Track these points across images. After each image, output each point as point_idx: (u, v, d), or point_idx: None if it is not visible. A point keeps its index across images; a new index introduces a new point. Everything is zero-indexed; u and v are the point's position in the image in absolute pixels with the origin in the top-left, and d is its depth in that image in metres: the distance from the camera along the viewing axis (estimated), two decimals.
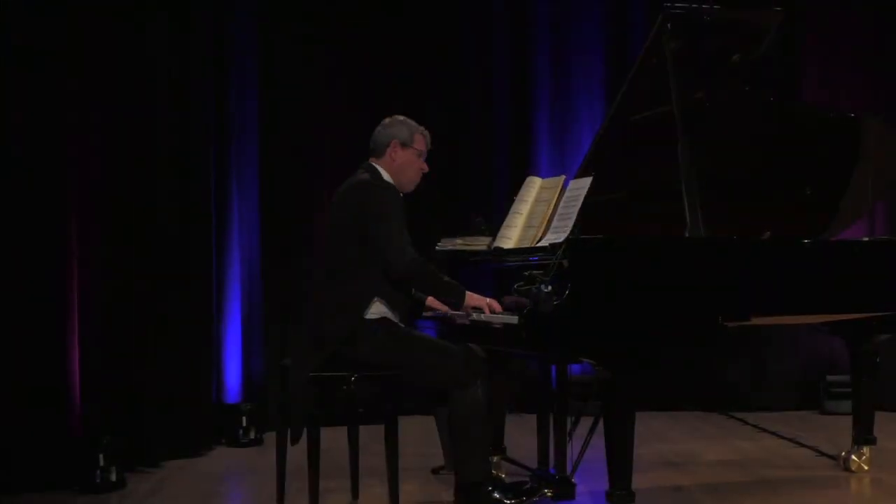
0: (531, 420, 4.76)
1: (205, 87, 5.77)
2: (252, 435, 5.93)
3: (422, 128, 4.20)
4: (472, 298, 3.99)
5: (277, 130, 6.40)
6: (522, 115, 7.09)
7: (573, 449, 4.34)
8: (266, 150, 6.35)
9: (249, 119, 6.28)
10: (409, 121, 4.19)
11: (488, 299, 4.00)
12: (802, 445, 5.68)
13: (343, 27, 6.75)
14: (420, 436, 5.87)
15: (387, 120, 4.20)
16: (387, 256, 3.92)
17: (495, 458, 4.68)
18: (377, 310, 3.99)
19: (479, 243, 4.61)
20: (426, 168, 4.21)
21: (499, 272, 4.40)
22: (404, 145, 4.12)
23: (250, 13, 6.26)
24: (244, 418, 5.90)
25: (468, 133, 7.04)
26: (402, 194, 4.13)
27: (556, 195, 4.27)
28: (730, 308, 3.87)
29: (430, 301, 4.32)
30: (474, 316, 4.01)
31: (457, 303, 4.00)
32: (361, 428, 4.31)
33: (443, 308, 4.23)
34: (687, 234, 3.95)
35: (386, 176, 4.10)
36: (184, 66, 5.58)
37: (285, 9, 6.46)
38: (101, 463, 4.71)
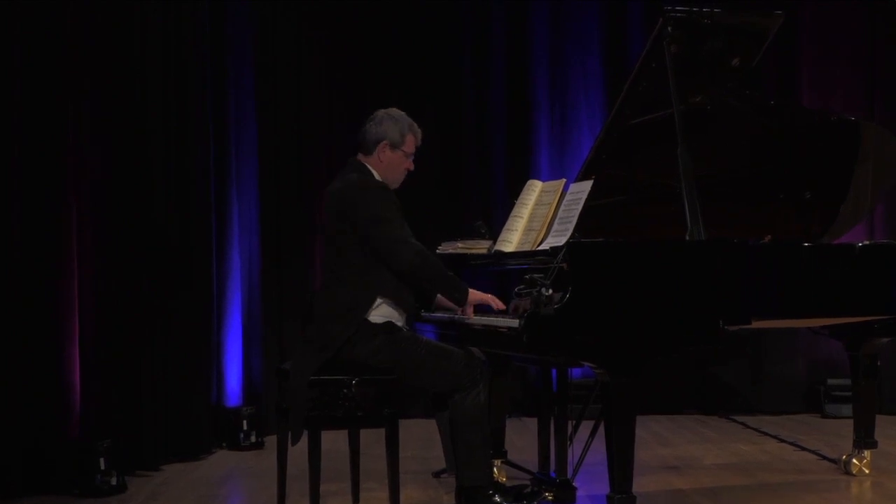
0: (532, 423, 4.76)
1: (203, 88, 5.76)
2: (252, 438, 5.91)
3: (414, 125, 4.12)
4: (475, 295, 4.00)
5: (276, 131, 6.39)
6: (522, 118, 7.07)
7: (574, 452, 4.34)
8: (265, 152, 6.33)
9: (248, 120, 6.27)
10: (401, 118, 4.10)
11: (490, 295, 4.00)
12: (803, 449, 5.67)
13: (342, 27, 6.75)
14: (421, 439, 5.87)
15: (379, 114, 4.10)
16: (391, 254, 3.90)
17: (496, 462, 4.67)
18: (382, 312, 3.97)
19: (480, 247, 4.60)
20: (412, 167, 4.16)
21: (499, 275, 4.39)
22: (394, 147, 4.07)
23: (248, 12, 6.25)
24: (245, 421, 5.89)
25: (468, 136, 7.02)
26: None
27: (557, 198, 4.26)
28: (731, 311, 3.86)
29: (440, 300, 4.24)
30: (475, 319, 4.00)
31: (460, 298, 4.00)
32: (362, 431, 4.30)
33: (451, 305, 4.15)
34: (688, 238, 3.95)
35: (376, 174, 4.06)
36: (182, 66, 5.57)
37: (284, 8, 6.45)
38: (102, 467, 4.70)
